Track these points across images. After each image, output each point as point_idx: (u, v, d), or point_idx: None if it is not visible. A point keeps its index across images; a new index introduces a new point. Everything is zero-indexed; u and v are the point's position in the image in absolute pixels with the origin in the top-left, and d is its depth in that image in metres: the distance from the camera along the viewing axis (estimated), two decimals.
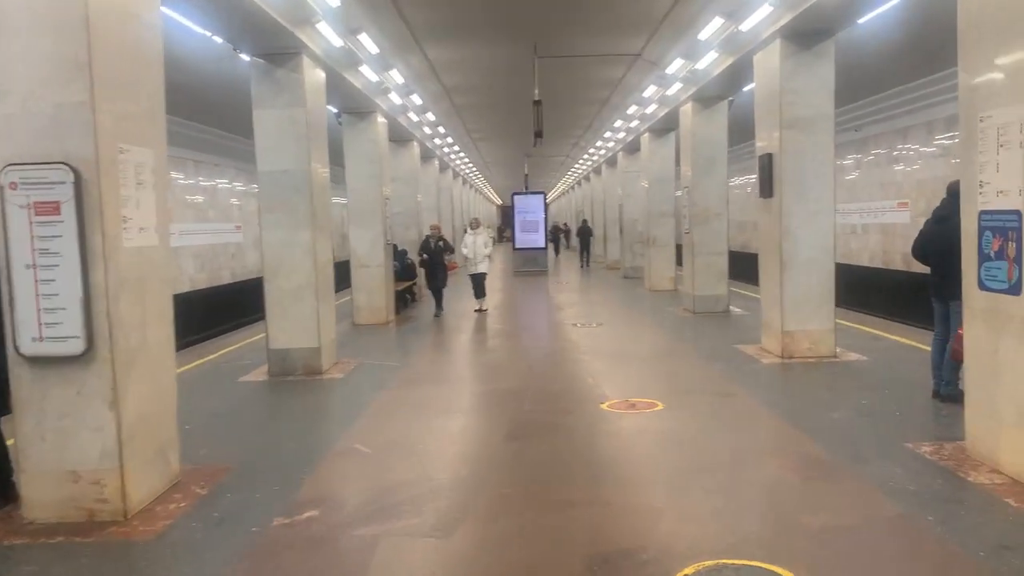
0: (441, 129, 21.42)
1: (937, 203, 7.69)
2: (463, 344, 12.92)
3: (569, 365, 10.34)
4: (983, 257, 5.50)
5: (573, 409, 7.71)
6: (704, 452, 6.33)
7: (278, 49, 9.68)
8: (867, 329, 11.89)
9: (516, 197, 29.09)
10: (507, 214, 70.73)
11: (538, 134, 12.85)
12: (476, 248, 15.51)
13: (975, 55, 5.55)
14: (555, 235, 38.70)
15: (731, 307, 14.98)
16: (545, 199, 30.06)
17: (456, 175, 33.04)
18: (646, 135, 19.54)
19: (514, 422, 7.32)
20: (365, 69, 12.30)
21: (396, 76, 13.84)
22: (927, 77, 16.11)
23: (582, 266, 31.75)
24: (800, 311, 9.94)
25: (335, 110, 14.79)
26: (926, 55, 15.14)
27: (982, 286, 5.53)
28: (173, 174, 18.59)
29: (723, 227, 14.93)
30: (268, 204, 10.00)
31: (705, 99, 14.47)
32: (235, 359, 11.34)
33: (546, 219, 29.41)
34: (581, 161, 33.48)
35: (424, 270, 16.11)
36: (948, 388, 7.37)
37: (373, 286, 14.89)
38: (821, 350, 9.92)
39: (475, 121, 22.74)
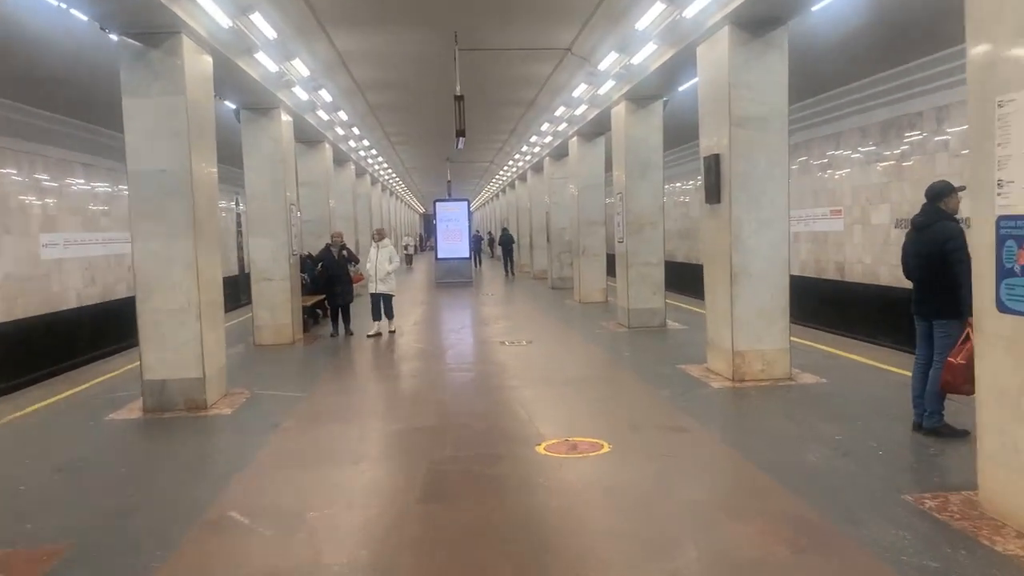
0: (356, 130, 19.97)
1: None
2: (376, 368, 11.56)
3: (497, 393, 9.08)
4: (1004, 272, 4.50)
5: (503, 454, 6.45)
6: (666, 513, 5.16)
7: (151, 27, 8.19)
8: (817, 346, 11.04)
9: (438, 204, 27.78)
10: (430, 223, 69.17)
11: (460, 133, 11.61)
12: (378, 264, 13.53)
13: (992, 24, 4.56)
14: (477, 244, 37.46)
15: (667, 321, 14.01)
16: (469, 206, 28.83)
17: (375, 181, 31.52)
18: (575, 139, 18.52)
19: (431, 475, 6.01)
20: (263, 57, 10.85)
21: (300, 67, 12.40)
22: (861, 80, 15.56)
23: (506, 275, 30.71)
24: (752, 329, 8.95)
25: (233, 105, 13.27)
26: (861, 57, 14.55)
27: (1003, 307, 4.53)
28: (68, 180, 16.68)
29: (659, 236, 13.97)
30: (141, 210, 8.47)
31: (640, 98, 13.48)
32: (111, 389, 9.73)
33: (470, 227, 28.20)
34: (506, 167, 32.40)
35: (322, 283, 14.44)
36: (932, 420, 6.42)
37: (277, 301, 13.39)
38: (775, 371, 8.96)
39: (393, 122, 21.36)
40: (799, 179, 19.32)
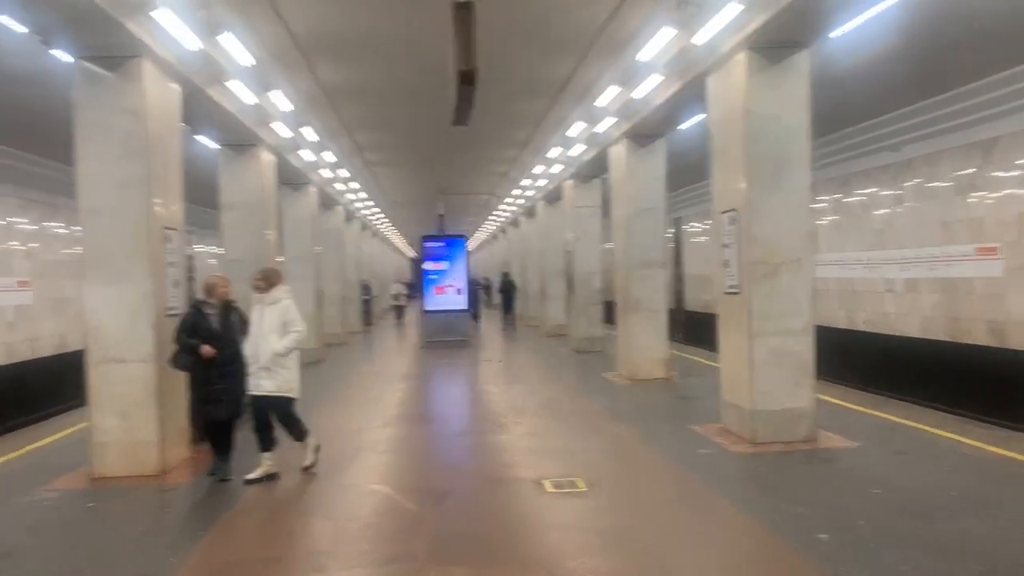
0: (310, 133, 14.17)
1: None
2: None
3: None
4: None
5: None
6: None
7: None
8: None
9: (427, 243, 21.92)
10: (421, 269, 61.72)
11: (467, 78, 5.73)
12: (260, 339, 7.19)
13: None
14: (475, 293, 31.44)
15: (820, 431, 8.11)
16: (466, 244, 23.00)
17: (351, 217, 25.73)
18: (622, 145, 12.81)
19: None
20: None
21: None
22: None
23: (505, 328, 24.93)
24: None
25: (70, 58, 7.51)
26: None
27: None
28: None
29: (805, 284, 8.11)
30: None
31: (770, 48, 7.81)
32: None
33: (468, 271, 22.36)
34: (511, 199, 26.62)
35: (190, 374, 7.44)
36: None
37: (134, 399, 7.51)
38: None
39: (365, 130, 15.63)
40: (920, 206, 13.89)
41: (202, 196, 15.00)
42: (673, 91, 9.90)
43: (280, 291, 7.33)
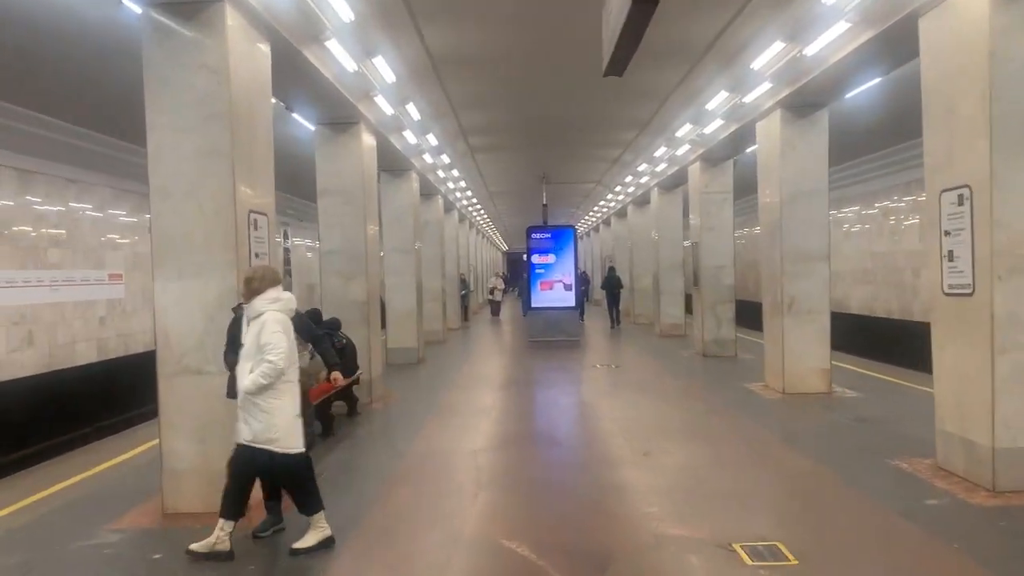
0: (414, 111, 12.76)
1: None
2: None
3: None
4: None
5: None
6: None
7: None
8: None
9: (533, 234, 20.37)
10: (515, 264, 59.64)
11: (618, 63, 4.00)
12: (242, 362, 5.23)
13: None
14: (584, 288, 29.63)
15: None
16: (575, 236, 21.37)
17: (451, 207, 24.41)
18: (773, 117, 10.92)
19: None
20: None
21: None
22: None
23: (612, 327, 23.06)
24: None
25: (138, 9, 6.22)
26: None
27: None
28: None
29: None
30: None
31: None
32: None
33: (576, 265, 20.74)
34: (620, 187, 24.72)
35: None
36: None
37: (213, 420, 6.21)
38: None
39: (470, 108, 14.16)
40: None
41: (306, 186, 13.95)
42: (860, 43, 7.95)
43: (263, 301, 5.12)
